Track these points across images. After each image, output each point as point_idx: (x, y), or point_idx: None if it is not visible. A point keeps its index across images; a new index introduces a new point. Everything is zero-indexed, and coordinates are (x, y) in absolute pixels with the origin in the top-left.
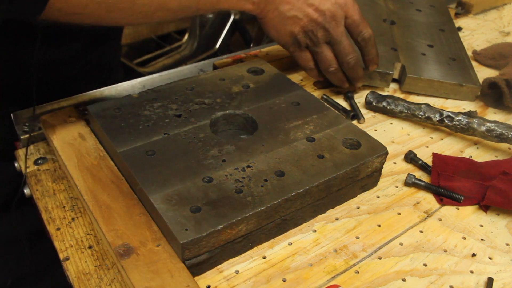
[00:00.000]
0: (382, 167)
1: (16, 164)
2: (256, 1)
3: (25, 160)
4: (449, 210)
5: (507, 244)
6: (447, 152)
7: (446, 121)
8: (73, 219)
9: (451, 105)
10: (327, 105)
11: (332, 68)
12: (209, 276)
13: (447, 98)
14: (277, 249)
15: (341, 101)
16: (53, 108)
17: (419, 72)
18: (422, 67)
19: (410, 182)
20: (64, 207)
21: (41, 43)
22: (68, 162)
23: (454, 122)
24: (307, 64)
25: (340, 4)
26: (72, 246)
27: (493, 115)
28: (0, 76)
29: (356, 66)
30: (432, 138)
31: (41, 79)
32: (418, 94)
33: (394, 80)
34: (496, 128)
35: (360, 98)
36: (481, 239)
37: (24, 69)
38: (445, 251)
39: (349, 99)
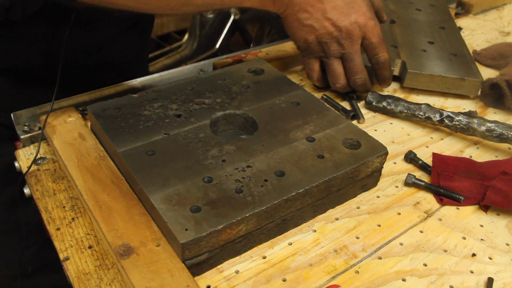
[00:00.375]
0: (382, 167)
1: (16, 164)
2: (278, 3)
3: (38, 146)
4: (449, 210)
5: (507, 244)
6: (447, 152)
7: (446, 121)
8: (73, 219)
9: (451, 105)
10: (327, 105)
11: (338, 85)
12: (209, 276)
13: (448, 94)
14: (277, 249)
15: (341, 101)
16: (53, 108)
17: (420, 67)
18: (423, 63)
19: (410, 182)
20: (64, 207)
21: (79, 27)
22: (68, 162)
23: (454, 122)
24: (311, 73)
25: (359, 25)
26: (72, 246)
27: (493, 115)
28: (36, 60)
29: (363, 85)
30: (432, 138)
31: (76, 64)
32: (418, 94)
33: (395, 78)
34: (496, 128)
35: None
36: (481, 239)
37: (61, 53)
38: (445, 251)
39: (350, 99)
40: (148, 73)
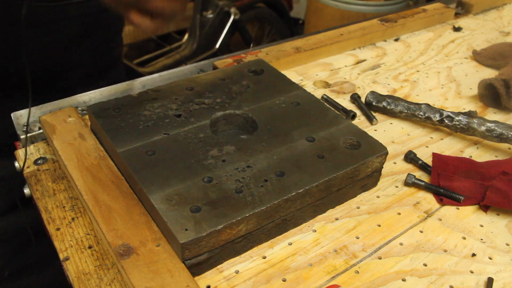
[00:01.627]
0: (382, 167)
1: (16, 164)
2: None
3: (26, 150)
4: (449, 210)
5: (507, 244)
6: (447, 152)
7: (446, 121)
8: (73, 219)
9: (451, 105)
10: (327, 105)
11: (153, 33)
12: (209, 276)
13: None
14: (277, 249)
15: (341, 101)
16: (53, 108)
17: None
18: None
19: (410, 182)
20: (64, 207)
21: (38, 27)
22: (68, 162)
23: (454, 122)
24: (141, 26)
25: None
26: (72, 246)
27: (493, 115)
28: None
29: (175, 17)
30: (432, 138)
31: (37, 68)
32: (419, 94)
33: None
34: (496, 128)
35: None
36: (481, 239)
37: (21, 53)
38: (445, 251)
39: (356, 100)
40: (123, 74)
